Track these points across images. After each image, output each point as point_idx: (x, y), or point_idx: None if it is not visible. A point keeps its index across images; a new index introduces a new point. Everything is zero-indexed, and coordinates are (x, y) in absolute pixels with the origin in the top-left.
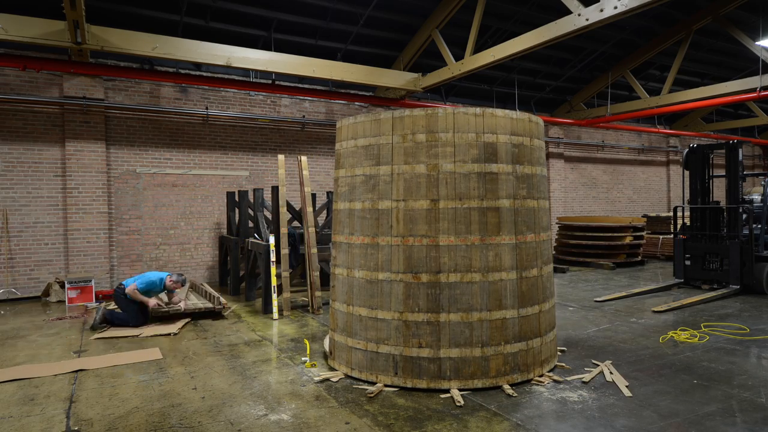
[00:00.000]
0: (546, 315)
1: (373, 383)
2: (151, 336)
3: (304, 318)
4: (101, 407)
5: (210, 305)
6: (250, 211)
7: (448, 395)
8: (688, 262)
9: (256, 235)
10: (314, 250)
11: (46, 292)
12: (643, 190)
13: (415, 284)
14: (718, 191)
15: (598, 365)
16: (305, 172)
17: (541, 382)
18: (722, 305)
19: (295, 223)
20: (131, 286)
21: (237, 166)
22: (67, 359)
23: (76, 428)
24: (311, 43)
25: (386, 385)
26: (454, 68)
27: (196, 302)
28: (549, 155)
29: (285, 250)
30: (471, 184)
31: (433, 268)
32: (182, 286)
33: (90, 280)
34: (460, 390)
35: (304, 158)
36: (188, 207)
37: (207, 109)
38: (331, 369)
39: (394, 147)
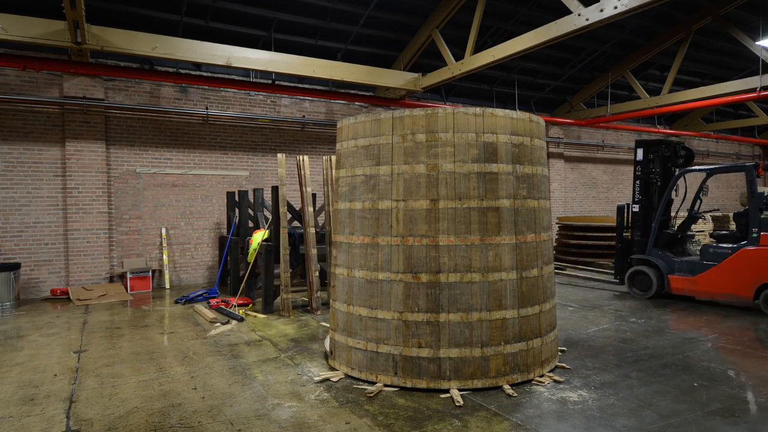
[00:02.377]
0: (546, 315)
1: (373, 383)
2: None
3: (304, 318)
4: (101, 407)
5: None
6: (250, 211)
7: (447, 395)
8: None
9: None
10: (314, 251)
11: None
12: None
13: (415, 284)
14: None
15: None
16: (306, 172)
17: (541, 382)
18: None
19: (295, 223)
20: None
21: (237, 166)
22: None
23: (76, 428)
24: (311, 43)
25: (386, 385)
26: (454, 68)
27: None
28: (549, 155)
29: (285, 250)
30: (471, 184)
31: (433, 268)
32: None
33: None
34: (459, 390)
35: (305, 158)
36: (188, 207)
37: (207, 109)
38: (332, 369)
39: (394, 147)
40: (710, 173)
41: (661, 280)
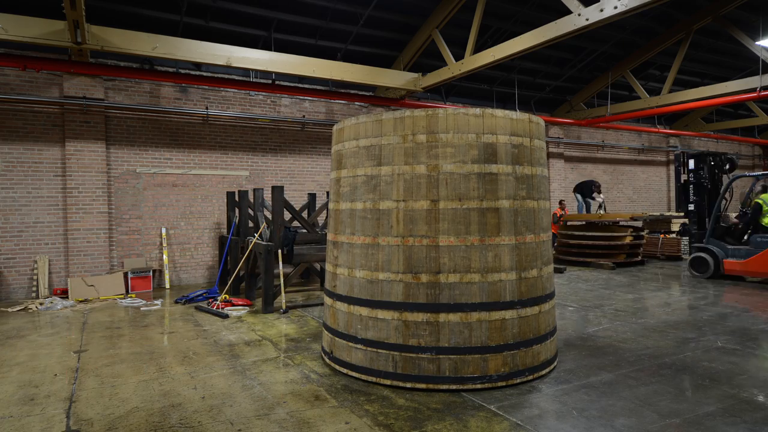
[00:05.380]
0: (546, 315)
1: (373, 383)
2: None
3: (304, 318)
4: (101, 407)
5: None
6: (250, 211)
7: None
8: None
9: (255, 234)
10: None
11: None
12: (643, 190)
13: (415, 284)
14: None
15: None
16: None
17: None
18: None
19: (295, 223)
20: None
21: (237, 166)
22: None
23: (76, 428)
24: (311, 43)
25: (386, 385)
26: (454, 68)
27: None
28: (549, 155)
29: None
30: (471, 185)
31: (433, 268)
32: None
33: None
34: (459, 390)
35: None
36: (188, 207)
37: (207, 109)
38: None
39: (395, 147)
40: (758, 178)
41: (717, 263)
